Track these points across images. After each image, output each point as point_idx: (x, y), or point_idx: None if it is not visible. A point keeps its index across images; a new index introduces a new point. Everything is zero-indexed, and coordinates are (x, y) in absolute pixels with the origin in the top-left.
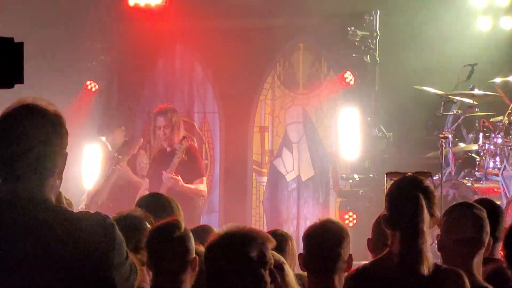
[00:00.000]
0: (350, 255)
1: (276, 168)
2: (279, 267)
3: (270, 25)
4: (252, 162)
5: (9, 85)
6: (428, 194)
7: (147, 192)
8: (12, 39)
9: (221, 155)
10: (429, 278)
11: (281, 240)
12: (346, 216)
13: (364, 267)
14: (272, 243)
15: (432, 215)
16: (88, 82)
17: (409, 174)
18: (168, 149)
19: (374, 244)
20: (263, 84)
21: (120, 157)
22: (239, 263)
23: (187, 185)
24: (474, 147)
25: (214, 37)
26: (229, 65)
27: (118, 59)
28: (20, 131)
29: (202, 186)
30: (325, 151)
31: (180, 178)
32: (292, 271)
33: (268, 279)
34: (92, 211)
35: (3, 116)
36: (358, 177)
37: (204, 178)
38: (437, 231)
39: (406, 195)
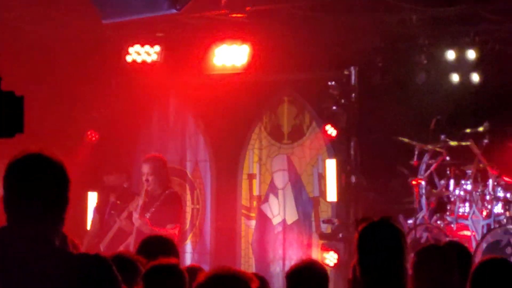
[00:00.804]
0: None
1: (263, 212)
2: None
3: (257, 80)
4: (241, 207)
5: (10, 135)
6: (397, 238)
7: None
8: (13, 92)
9: (211, 201)
10: None
11: (261, 280)
12: (328, 256)
13: None
14: (255, 283)
15: None
16: (89, 132)
17: (377, 219)
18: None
19: (354, 284)
20: (251, 134)
21: (119, 202)
22: None
23: (155, 228)
24: (446, 193)
25: (205, 91)
26: (219, 117)
27: (116, 111)
28: (28, 179)
29: (172, 232)
30: (308, 197)
31: (147, 220)
32: None
33: None
34: (92, 253)
35: (12, 165)
36: (339, 221)
37: (178, 226)
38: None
39: (383, 238)
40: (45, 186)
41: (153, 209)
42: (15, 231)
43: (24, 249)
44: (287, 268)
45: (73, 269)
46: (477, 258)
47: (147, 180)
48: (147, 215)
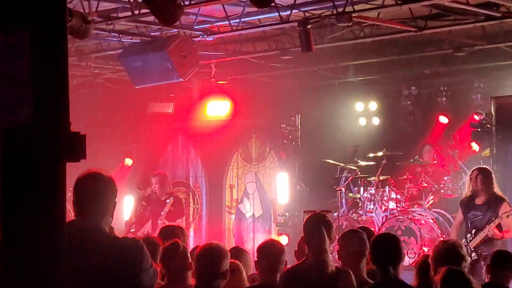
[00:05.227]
0: (285, 261)
1: (240, 210)
2: (235, 266)
3: (235, 124)
4: (225, 206)
5: (77, 160)
6: (327, 224)
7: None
8: (79, 132)
9: (206, 202)
10: (331, 274)
11: (240, 252)
12: (282, 238)
13: (292, 267)
14: (230, 257)
15: (329, 238)
16: (125, 159)
17: (317, 211)
18: (160, 199)
19: (298, 254)
20: (231, 159)
21: (145, 204)
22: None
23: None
24: (358, 196)
25: (201, 131)
26: (211, 149)
27: (143, 145)
28: (89, 187)
29: (181, 223)
30: (269, 199)
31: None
32: (246, 273)
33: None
34: (130, 237)
35: (80, 178)
36: (288, 214)
37: (183, 218)
38: (336, 246)
39: (314, 225)
40: (100, 192)
41: (167, 210)
42: (79, 223)
43: (86, 236)
44: (256, 245)
45: (119, 248)
46: None
47: (155, 189)
48: (163, 214)
